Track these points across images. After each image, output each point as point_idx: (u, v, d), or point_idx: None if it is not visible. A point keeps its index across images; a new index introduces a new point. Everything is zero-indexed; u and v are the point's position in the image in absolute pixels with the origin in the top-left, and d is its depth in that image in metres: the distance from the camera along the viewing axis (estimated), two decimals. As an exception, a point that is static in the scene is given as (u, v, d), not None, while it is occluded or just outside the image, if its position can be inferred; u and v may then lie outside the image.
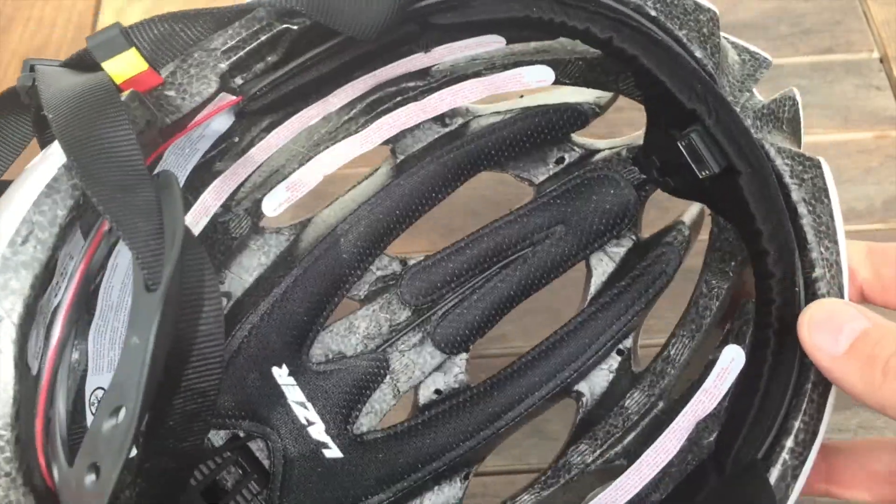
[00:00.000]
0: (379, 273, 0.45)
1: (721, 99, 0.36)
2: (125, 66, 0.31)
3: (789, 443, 0.34)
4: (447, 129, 0.44)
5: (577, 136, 0.46)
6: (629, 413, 0.43)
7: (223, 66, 0.33)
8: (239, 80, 0.34)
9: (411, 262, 0.45)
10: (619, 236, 0.45)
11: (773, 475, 0.34)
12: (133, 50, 0.31)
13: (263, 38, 0.33)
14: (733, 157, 0.36)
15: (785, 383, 0.35)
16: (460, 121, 0.44)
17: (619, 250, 0.46)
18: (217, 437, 0.40)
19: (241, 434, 0.41)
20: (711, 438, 0.38)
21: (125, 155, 0.26)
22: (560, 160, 0.46)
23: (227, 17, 0.32)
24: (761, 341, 0.37)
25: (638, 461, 0.40)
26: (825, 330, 0.32)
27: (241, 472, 0.40)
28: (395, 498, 0.43)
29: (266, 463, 0.41)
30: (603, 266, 0.46)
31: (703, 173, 0.37)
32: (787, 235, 0.36)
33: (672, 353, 0.43)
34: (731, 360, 0.39)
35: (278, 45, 0.34)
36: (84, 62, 0.31)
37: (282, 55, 0.34)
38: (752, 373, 0.37)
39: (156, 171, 0.34)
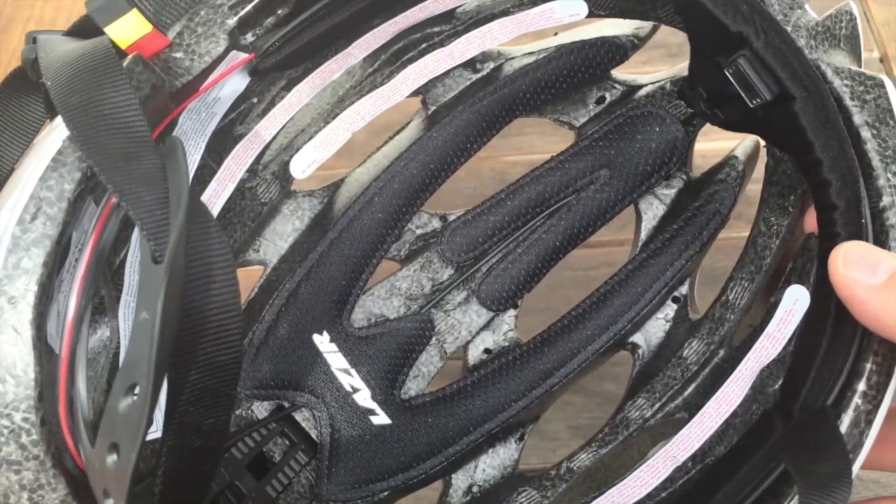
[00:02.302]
0: (419, 231, 0.43)
1: (769, 18, 0.33)
2: (128, 29, 0.29)
3: (861, 386, 0.31)
4: (479, 75, 0.42)
5: (617, 73, 0.43)
6: (688, 363, 0.41)
7: (231, 22, 0.31)
8: (250, 37, 0.32)
9: (451, 218, 0.43)
10: (668, 176, 0.43)
11: (845, 422, 0.31)
12: (135, 11, 0.29)
13: None
14: (786, 81, 0.33)
15: (854, 322, 0.33)
16: (492, 65, 0.42)
17: (669, 192, 0.43)
18: (261, 409, 0.39)
19: (286, 405, 0.40)
20: (777, 386, 0.36)
21: (127, 121, 0.25)
22: (601, 100, 0.43)
23: None
24: (827, 278, 0.34)
25: (700, 413, 0.38)
26: (861, 265, 0.31)
27: (287, 443, 0.39)
28: (447, 462, 0.41)
29: (313, 433, 0.40)
30: (653, 210, 0.43)
31: (755, 101, 0.34)
32: (850, 163, 0.33)
33: (731, 297, 0.40)
34: (795, 302, 0.37)
35: None
36: (86, 28, 0.29)
37: (292, 7, 0.32)
38: (818, 312, 0.34)
39: (172, 136, 0.32)
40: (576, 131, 0.43)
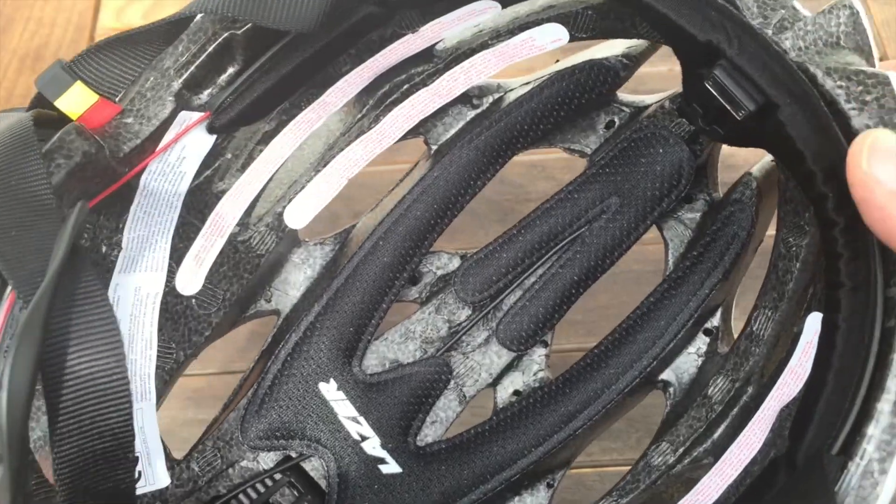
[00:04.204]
0: (439, 272, 0.43)
1: (741, 22, 0.30)
2: (76, 100, 0.31)
3: (872, 430, 0.27)
4: (478, 111, 0.41)
5: (623, 95, 0.40)
6: (713, 403, 0.37)
7: (176, 84, 0.32)
8: (206, 97, 0.33)
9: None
10: (689, 199, 0.40)
11: (855, 472, 0.27)
12: (79, 83, 0.30)
13: (211, 48, 0.32)
14: (767, 88, 0.30)
15: (863, 355, 0.29)
16: (491, 99, 0.41)
17: (693, 215, 0.40)
18: (267, 460, 0.40)
19: (293, 455, 0.40)
20: None
21: (33, 191, 0.26)
22: (610, 124, 0.41)
23: (169, 31, 0.31)
24: (832, 304, 0.30)
25: (721, 460, 0.35)
26: (891, 162, 0.25)
27: (296, 493, 0.39)
28: (463, 512, 0.40)
29: (322, 483, 0.40)
30: (679, 235, 0.40)
31: (740, 113, 0.31)
32: None
33: (755, 328, 0.37)
34: (815, 332, 0.33)
35: (235, 53, 0.33)
36: (43, 104, 0.31)
37: (242, 64, 0.33)
38: (825, 345, 0.30)
39: (136, 200, 0.34)
40: (588, 159, 0.41)
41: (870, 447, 0.27)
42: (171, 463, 0.37)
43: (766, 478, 0.31)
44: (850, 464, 0.27)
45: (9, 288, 0.27)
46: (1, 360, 0.26)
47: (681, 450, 0.37)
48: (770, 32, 0.30)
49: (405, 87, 0.39)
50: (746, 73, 0.30)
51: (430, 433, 0.41)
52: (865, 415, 0.28)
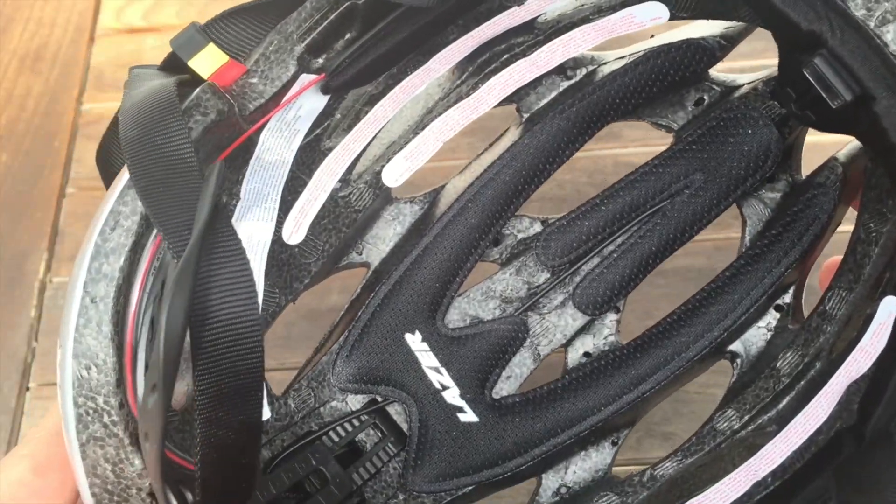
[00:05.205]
0: (521, 235, 0.45)
1: (845, 14, 0.31)
2: (208, 61, 0.33)
3: None
4: (571, 82, 0.42)
5: (715, 73, 0.42)
6: (780, 375, 0.39)
7: (299, 48, 0.34)
8: (322, 60, 0.35)
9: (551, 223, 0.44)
10: (771, 179, 0.41)
11: None
12: (211, 45, 0.33)
13: (333, 16, 0.34)
14: (866, 81, 0.31)
15: None
16: (584, 71, 0.42)
17: (774, 195, 0.41)
18: (355, 402, 0.42)
19: (379, 399, 0.43)
20: None
21: (175, 150, 0.28)
22: (699, 101, 0.42)
23: (290, 3, 0.33)
24: None
25: (787, 427, 0.37)
26: None
27: (379, 434, 0.42)
28: (534, 462, 0.42)
29: (405, 427, 0.42)
30: (758, 214, 0.42)
31: (836, 102, 0.33)
32: None
33: (828, 307, 0.38)
34: (890, 314, 0.34)
35: (354, 21, 0.34)
36: (175, 63, 0.33)
37: (358, 31, 0.35)
38: None
39: (255, 154, 0.36)
40: (674, 135, 0.43)
41: None
42: (271, 398, 0.40)
43: (833, 447, 0.33)
44: None
45: (153, 234, 0.30)
46: (149, 302, 0.29)
47: (746, 417, 0.39)
48: (872, 25, 0.32)
49: (505, 56, 0.40)
50: (846, 63, 0.32)
51: (504, 387, 0.44)
52: None
